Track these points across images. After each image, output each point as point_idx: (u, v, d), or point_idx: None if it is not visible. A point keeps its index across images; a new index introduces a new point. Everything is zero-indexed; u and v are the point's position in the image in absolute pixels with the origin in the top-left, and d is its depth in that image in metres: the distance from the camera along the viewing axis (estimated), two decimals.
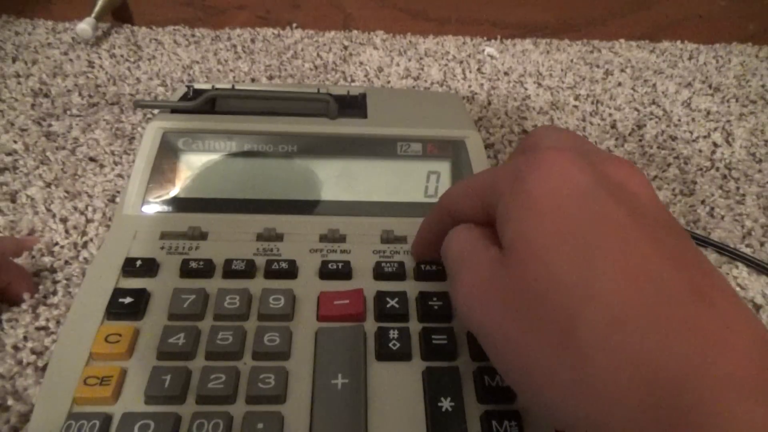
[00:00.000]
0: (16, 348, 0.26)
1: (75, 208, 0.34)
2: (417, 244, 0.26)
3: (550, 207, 0.17)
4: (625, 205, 0.17)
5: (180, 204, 0.28)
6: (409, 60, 0.57)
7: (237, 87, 0.35)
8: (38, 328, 0.27)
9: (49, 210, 0.34)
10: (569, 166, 0.18)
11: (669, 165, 0.43)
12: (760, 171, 0.43)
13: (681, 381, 0.14)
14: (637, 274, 0.15)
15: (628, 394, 0.14)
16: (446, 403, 0.21)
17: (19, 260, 0.30)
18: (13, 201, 0.35)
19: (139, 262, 0.25)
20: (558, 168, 0.18)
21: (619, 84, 0.55)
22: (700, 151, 0.45)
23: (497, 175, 0.20)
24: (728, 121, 0.49)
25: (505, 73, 0.55)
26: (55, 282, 0.29)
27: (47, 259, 0.31)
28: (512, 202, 0.18)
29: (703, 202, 0.39)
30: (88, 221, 0.34)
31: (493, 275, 0.18)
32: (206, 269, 0.25)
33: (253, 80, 0.52)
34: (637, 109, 0.50)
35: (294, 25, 0.62)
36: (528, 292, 0.17)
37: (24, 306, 0.28)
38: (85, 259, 0.31)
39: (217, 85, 0.35)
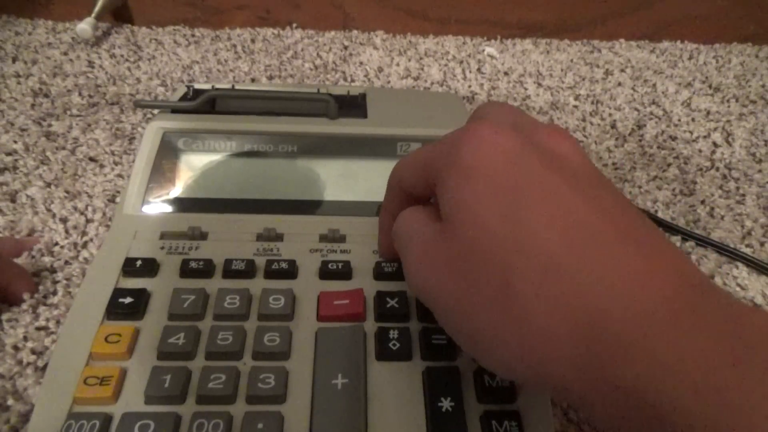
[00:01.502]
0: (16, 348, 0.26)
1: (75, 208, 0.34)
2: (381, 237, 0.26)
3: (481, 173, 0.18)
4: (552, 164, 0.18)
5: (180, 204, 0.28)
6: (409, 60, 0.57)
7: (237, 87, 0.35)
8: (38, 328, 0.27)
9: (49, 210, 0.34)
10: (499, 135, 0.18)
11: (669, 165, 0.43)
12: (760, 171, 0.43)
13: (607, 318, 0.15)
14: (565, 224, 0.16)
15: (564, 336, 0.15)
16: (446, 403, 0.21)
17: (19, 260, 0.30)
18: (13, 201, 0.35)
19: (139, 262, 0.25)
20: (488, 137, 0.18)
21: (619, 84, 0.55)
22: (700, 151, 0.45)
23: (436, 150, 0.21)
24: (728, 121, 0.49)
25: (505, 73, 0.55)
26: (55, 282, 0.29)
27: (47, 259, 0.31)
28: (447, 173, 0.19)
29: (703, 202, 0.39)
30: (88, 221, 0.34)
31: (434, 244, 0.19)
32: (206, 269, 0.25)
33: (253, 80, 0.52)
34: (637, 109, 0.50)
35: (294, 25, 0.62)
36: (465, 254, 0.17)
37: (24, 306, 0.28)
38: (85, 259, 0.31)
39: (217, 85, 0.35)
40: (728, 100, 0.53)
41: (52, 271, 0.30)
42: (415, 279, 0.20)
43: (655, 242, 0.16)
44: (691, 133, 0.47)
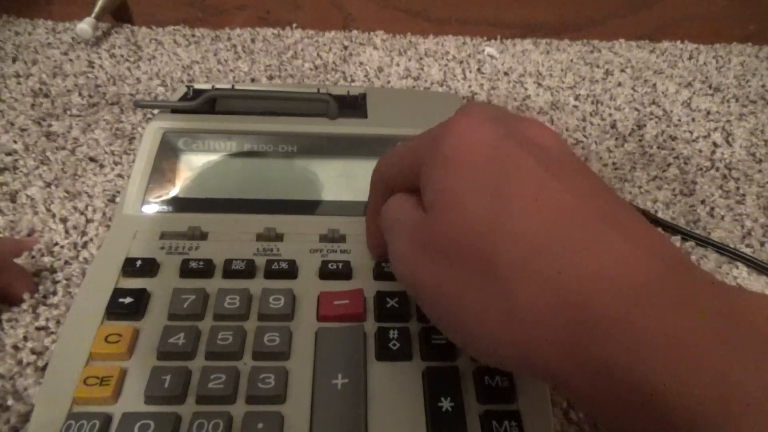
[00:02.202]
0: (16, 348, 0.26)
1: (75, 208, 0.34)
2: (368, 235, 0.26)
3: (462, 162, 0.18)
4: (533, 152, 0.18)
5: (180, 204, 0.28)
6: (409, 60, 0.57)
7: (237, 87, 0.35)
8: (38, 328, 0.27)
9: (49, 210, 0.34)
10: (479, 126, 0.19)
11: (669, 165, 0.43)
12: (760, 171, 0.43)
13: (590, 298, 0.15)
14: (545, 207, 0.17)
15: (547, 318, 0.15)
16: (446, 403, 0.21)
17: (19, 260, 0.30)
18: (13, 201, 0.35)
19: (139, 262, 0.25)
20: (469, 128, 0.19)
21: (619, 84, 0.55)
22: (700, 151, 0.45)
23: (418, 143, 0.21)
24: (728, 121, 0.49)
25: (505, 73, 0.55)
26: (55, 282, 0.29)
27: (47, 259, 0.31)
28: (430, 164, 0.19)
29: (703, 202, 0.39)
30: (88, 221, 0.34)
31: (419, 231, 0.19)
32: (206, 269, 0.25)
33: (253, 80, 0.52)
34: (637, 109, 0.50)
35: (294, 25, 0.62)
36: (449, 239, 0.18)
37: (24, 306, 0.28)
38: (85, 259, 0.31)
39: (217, 85, 0.35)
40: (728, 100, 0.53)
41: (52, 271, 0.30)
42: (401, 266, 0.20)
43: (635, 224, 0.17)
44: (691, 133, 0.47)
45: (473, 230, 0.17)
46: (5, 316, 0.27)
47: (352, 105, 0.34)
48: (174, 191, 0.29)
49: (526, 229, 0.16)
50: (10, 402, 0.24)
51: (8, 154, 0.39)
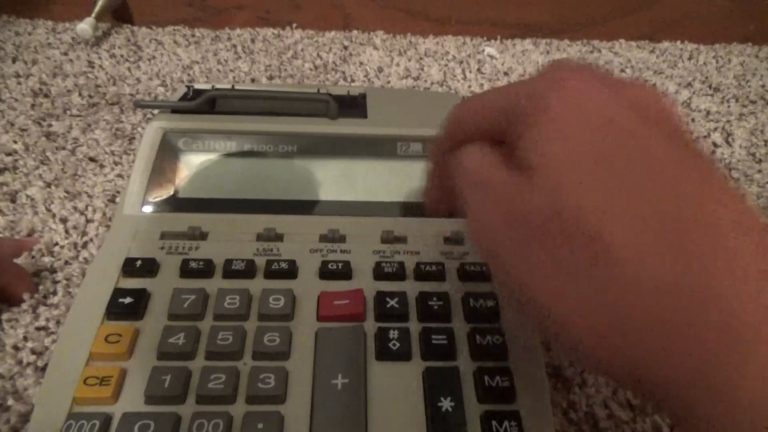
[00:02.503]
0: (16, 348, 0.26)
1: (75, 208, 0.34)
2: (429, 183, 0.24)
3: (576, 130, 0.16)
4: (650, 127, 0.16)
5: (180, 204, 0.28)
6: (409, 60, 0.57)
7: (237, 87, 0.35)
8: (38, 328, 0.27)
9: (49, 210, 0.34)
10: (592, 89, 0.17)
11: None
12: (760, 171, 0.43)
13: (729, 314, 0.13)
14: (664, 193, 0.15)
15: (675, 327, 0.14)
16: (446, 403, 0.21)
17: (19, 260, 0.30)
18: (13, 201, 0.35)
19: (139, 262, 0.25)
20: (581, 90, 0.17)
21: None
22: None
23: (516, 95, 0.18)
24: (728, 121, 0.49)
25: (505, 73, 0.55)
26: (55, 282, 0.29)
27: (47, 259, 0.31)
28: (536, 124, 0.17)
29: None
30: (88, 221, 0.34)
31: (511, 198, 0.17)
32: (206, 269, 0.25)
33: (253, 80, 0.52)
34: None
35: (294, 25, 0.62)
36: (552, 215, 0.16)
37: (24, 306, 0.28)
38: (85, 259, 0.31)
39: (217, 85, 0.35)
40: (728, 100, 0.53)
41: (52, 271, 0.30)
42: (486, 237, 0.18)
43: (741, 207, 0.15)
44: (691, 133, 0.47)
45: (585, 211, 0.15)
46: (5, 316, 0.27)
47: (352, 105, 0.34)
48: (174, 191, 0.29)
49: (650, 219, 0.15)
50: (10, 402, 0.24)
51: (8, 154, 0.39)
